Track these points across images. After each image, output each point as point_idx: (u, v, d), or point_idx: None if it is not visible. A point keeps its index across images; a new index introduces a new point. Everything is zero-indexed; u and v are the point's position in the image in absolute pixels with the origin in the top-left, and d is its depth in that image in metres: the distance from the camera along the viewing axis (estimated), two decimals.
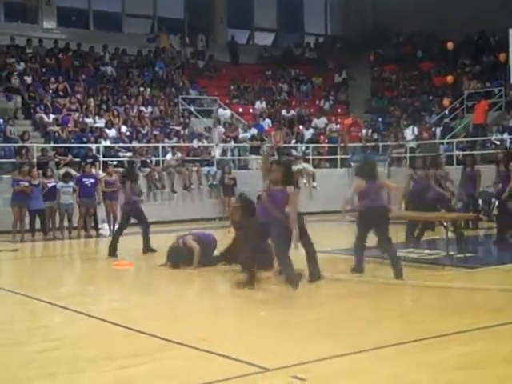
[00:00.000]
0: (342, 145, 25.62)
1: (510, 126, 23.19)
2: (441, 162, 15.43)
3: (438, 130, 25.19)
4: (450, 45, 25.43)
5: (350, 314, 8.07)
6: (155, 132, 22.99)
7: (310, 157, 24.31)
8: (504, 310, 8.03)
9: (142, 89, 25.66)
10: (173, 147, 22.17)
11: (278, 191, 9.24)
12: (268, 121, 26.48)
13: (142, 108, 24.39)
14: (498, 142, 22.41)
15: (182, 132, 23.67)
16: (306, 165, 23.59)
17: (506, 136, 22.40)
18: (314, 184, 23.36)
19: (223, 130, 24.58)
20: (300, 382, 5.41)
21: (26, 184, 16.71)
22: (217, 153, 22.81)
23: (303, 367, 5.80)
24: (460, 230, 13.02)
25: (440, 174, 13.79)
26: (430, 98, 28.28)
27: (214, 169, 22.00)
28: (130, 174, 15.04)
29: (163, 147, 21.89)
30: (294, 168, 22.67)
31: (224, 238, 12.40)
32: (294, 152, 24.42)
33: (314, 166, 24.15)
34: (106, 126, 22.03)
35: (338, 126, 27.03)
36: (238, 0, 32.98)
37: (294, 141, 25.35)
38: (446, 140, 24.05)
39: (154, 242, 13.80)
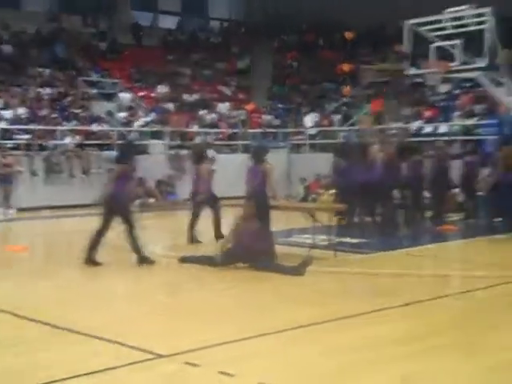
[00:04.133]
0: (243, 130, 25.80)
1: (404, 115, 23.90)
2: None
3: (337, 118, 25.73)
4: (348, 35, 26.00)
5: (247, 299, 8.22)
6: (54, 114, 22.46)
7: (212, 142, 24.35)
8: (394, 294, 8.35)
9: (40, 69, 25.00)
10: (72, 130, 21.76)
11: None
12: (170, 105, 26.35)
13: (41, 89, 23.78)
14: (394, 131, 23.05)
15: (81, 115, 23.22)
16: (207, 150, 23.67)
17: (400, 124, 23.07)
18: (214, 168, 23.42)
19: (124, 113, 24.31)
20: (193, 368, 5.47)
21: None
22: None
23: (198, 353, 5.86)
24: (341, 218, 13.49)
25: None
26: (331, 85, 28.82)
27: (113, 153, 21.68)
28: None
29: (62, 130, 21.44)
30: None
31: None
32: (197, 138, 24.33)
33: (216, 152, 24.19)
34: (3, 107, 21.35)
35: (240, 111, 27.17)
36: None
37: (196, 126, 25.30)
38: (344, 127, 24.58)
39: (56, 227, 13.52)
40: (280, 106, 28.64)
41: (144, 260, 10.29)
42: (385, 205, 14.10)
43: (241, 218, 10.13)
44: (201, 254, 10.65)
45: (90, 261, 10.25)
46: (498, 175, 14.05)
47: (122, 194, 10.23)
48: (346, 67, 26.54)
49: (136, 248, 10.30)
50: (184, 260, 10.43)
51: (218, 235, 12.56)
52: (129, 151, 10.95)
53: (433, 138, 17.68)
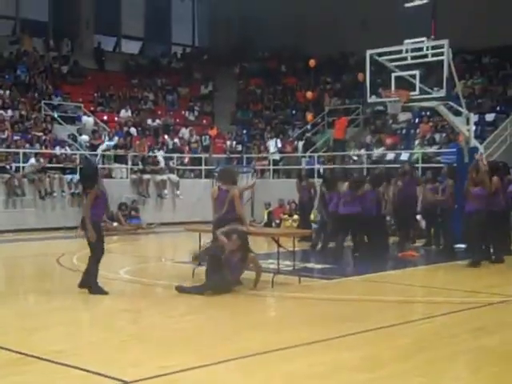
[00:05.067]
0: (207, 155, 25.86)
1: (366, 143, 24.22)
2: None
3: (300, 144, 25.96)
4: (311, 62, 26.26)
5: (211, 325, 8.18)
6: (16, 137, 22.26)
7: (175, 166, 24.41)
8: (358, 319, 8.39)
9: (1, 92, 24.79)
10: (36, 154, 21.57)
11: None
12: (133, 129, 26.30)
13: (2, 112, 23.56)
14: (355, 158, 23.36)
15: (44, 138, 23.05)
16: (170, 175, 23.75)
17: (363, 152, 23.38)
18: (178, 192, 23.55)
19: (87, 137, 24.19)
20: None
21: None
22: None
23: (163, 379, 5.84)
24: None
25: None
26: (294, 112, 29.13)
27: (76, 176, 21.53)
28: None
29: (24, 153, 21.26)
30: (159, 178, 23.12)
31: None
32: (161, 163, 24.28)
33: (179, 177, 24.27)
34: None
35: (203, 137, 27.30)
36: (105, 6, 32.55)
37: (161, 151, 25.26)
38: (307, 154, 24.80)
39: (16, 250, 13.34)
40: (244, 131, 28.81)
41: (96, 290, 9.79)
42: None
43: (219, 247, 10.14)
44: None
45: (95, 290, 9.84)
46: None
47: (95, 218, 9.86)
48: (309, 95, 26.84)
49: (91, 277, 9.85)
50: (181, 290, 9.90)
51: None
52: (92, 174, 10.42)
53: (396, 165, 17.97)
